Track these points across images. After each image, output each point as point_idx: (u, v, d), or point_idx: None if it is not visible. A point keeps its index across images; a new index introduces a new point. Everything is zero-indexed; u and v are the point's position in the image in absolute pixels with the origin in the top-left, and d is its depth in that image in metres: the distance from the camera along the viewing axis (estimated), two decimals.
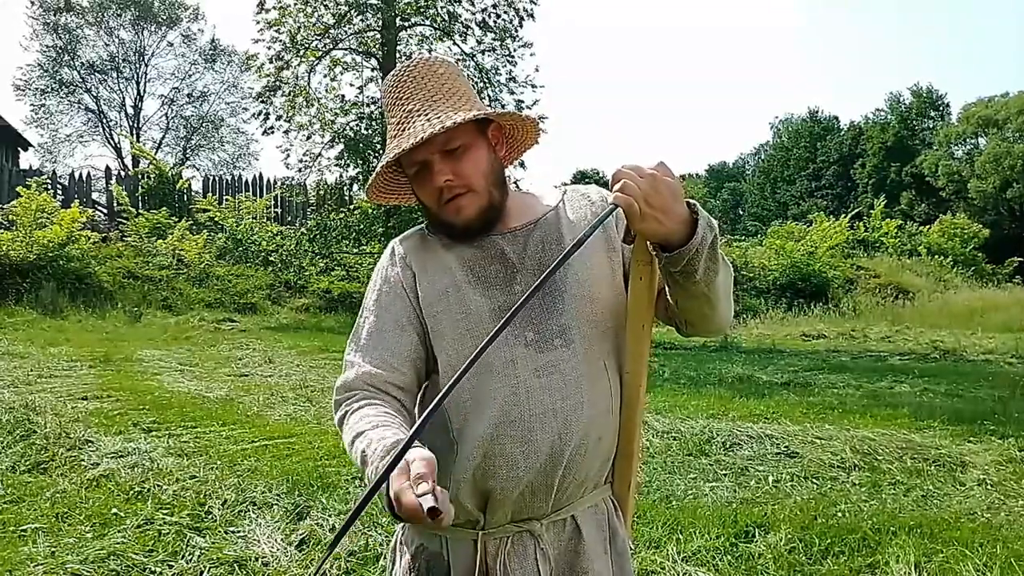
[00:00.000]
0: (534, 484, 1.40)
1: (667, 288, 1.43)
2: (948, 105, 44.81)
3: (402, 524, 1.58)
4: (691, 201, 1.30)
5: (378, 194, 1.59)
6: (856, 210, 29.86)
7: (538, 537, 1.44)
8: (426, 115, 1.41)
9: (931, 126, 44.04)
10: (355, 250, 16.90)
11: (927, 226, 28.32)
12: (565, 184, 1.72)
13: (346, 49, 16.92)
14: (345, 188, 17.05)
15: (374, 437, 1.31)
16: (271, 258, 16.78)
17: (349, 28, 16.56)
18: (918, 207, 38.63)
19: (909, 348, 12.74)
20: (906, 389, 8.38)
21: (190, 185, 23.19)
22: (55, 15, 35.56)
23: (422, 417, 1.08)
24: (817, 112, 50.20)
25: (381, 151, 15.65)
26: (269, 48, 16.17)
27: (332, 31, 16.33)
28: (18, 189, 16.90)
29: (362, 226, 16.23)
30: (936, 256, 24.45)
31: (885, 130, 43.97)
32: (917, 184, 40.59)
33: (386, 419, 1.36)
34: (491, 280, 1.47)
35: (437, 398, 1.07)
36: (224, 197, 22.07)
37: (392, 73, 1.50)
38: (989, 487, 4.76)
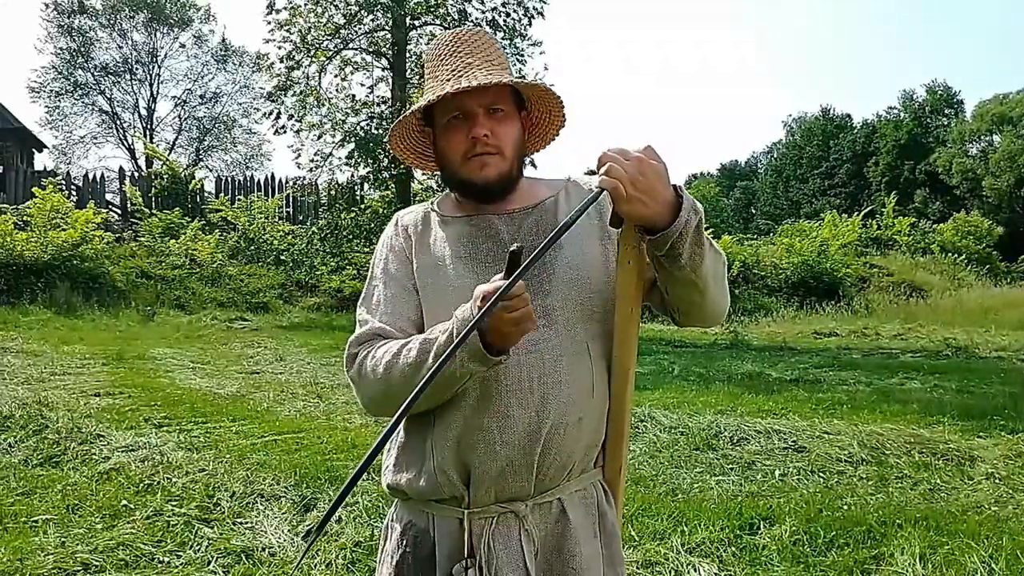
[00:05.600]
0: (514, 461, 1.41)
1: (656, 275, 1.44)
2: (962, 102, 44.59)
3: (395, 503, 1.60)
4: (677, 185, 1.31)
5: (399, 141, 1.61)
6: (868, 208, 29.70)
7: (523, 518, 1.45)
8: (487, 70, 1.46)
9: (945, 123, 43.78)
10: (366, 249, 16.92)
11: (941, 224, 28.16)
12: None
13: (356, 49, 17.00)
14: (356, 187, 17.10)
15: (424, 335, 1.41)
16: (283, 257, 16.86)
17: (359, 28, 16.63)
18: (932, 205, 38.45)
19: (921, 346, 12.68)
20: (916, 386, 8.34)
21: (203, 186, 23.39)
22: (69, 18, 35.86)
23: (387, 427, 1.14)
24: (830, 110, 50.03)
25: (391, 150, 15.67)
26: (280, 48, 16.27)
27: (342, 31, 16.40)
28: (33, 190, 17.07)
29: (373, 225, 16.26)
30: (950, 254, 24.29)
31: (899, 128, 43.76)
32: (931, 182, 40.38)
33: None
34: (480, 257, 1.50)
35: (397, 414, 1.14)
36: (236, 197, 22.21)
37: (450, 31, 1.54)
38: (997, 481, 4.74)
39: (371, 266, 1.63)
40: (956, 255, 24.28)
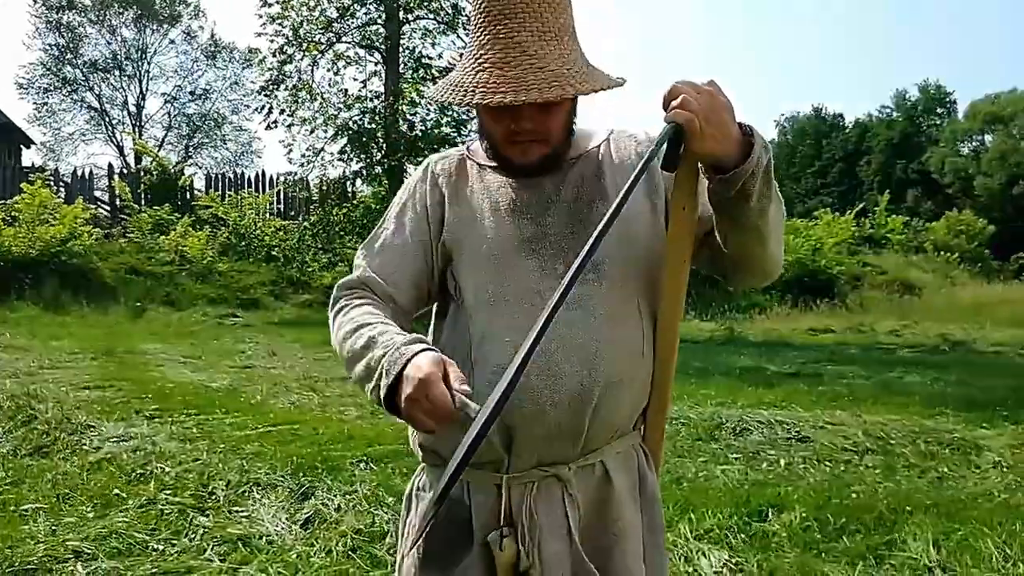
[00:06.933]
0: (562, 423, 1.32)
1: (716, 221, 1.33)
2: (955, 102, 44.76)
3: (420, 469, 1.50)
4: (743, 122, 1.23)
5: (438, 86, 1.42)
6: (861, 206, 29.73)
7: (566, 482, 1.36)
8: (540, 66, 1.26)
9: (938, 123, 43.94)
10: (359, 245, 16.80)
11: (933, 223, 28.25)
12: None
13: (349, 43, 16.86)
14: (348, 182, 16.96)
15: (388, 330, 1.30)
16: (274, 253, 16.71)
17: (352, 22, 16.50)
18: (924, 204, 38.54)
19: (918, 341, 12.63)
20: (916, 379, 8.30)
21: (192, 182, 23.15)
22: (57, 13, 35.56)
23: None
24: (822, 109, 50.11)
25: (385, 144, 15.55)
26: (272, 42, 16.13)
27: (335, 25, 16.27)
28: (21, 185, 16.85)
29: (365, 220, 16.11)
30: (942, 252, 24.37)
31: (891, 127, 43.89)
32: (923, 181, 40.51)
33: (392, 324, 1.34)
34: (523, 209, 1.40)
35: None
36: (227, 194, 21.99)
37: None
38: (1005, 470, 4.71)
39: (389, 206, 1.53)
40: (949, 253, 24.36)
